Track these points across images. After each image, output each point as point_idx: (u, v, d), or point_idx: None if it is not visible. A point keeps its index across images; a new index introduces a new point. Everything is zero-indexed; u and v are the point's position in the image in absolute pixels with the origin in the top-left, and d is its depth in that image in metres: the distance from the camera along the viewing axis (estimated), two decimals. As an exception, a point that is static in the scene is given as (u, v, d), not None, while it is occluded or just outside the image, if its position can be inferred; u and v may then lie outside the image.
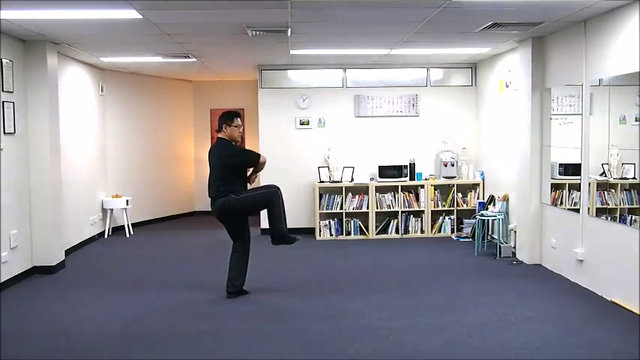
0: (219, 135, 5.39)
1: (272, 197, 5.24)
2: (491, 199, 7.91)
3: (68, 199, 7.28)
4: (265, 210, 5.33)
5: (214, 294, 5.53)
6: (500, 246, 7.08)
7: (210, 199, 5.36)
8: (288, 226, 5.27)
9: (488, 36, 6.34)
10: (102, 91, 8.80)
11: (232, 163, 5.28)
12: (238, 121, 5.39)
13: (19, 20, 5.36)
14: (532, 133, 6.54)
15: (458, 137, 8.75)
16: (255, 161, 5.35)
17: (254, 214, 5.34)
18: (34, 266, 6.43)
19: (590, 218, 5.57)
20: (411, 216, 8.52)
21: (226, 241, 8.52)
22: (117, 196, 8.87)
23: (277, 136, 8.64)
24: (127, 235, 8.83)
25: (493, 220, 7.65)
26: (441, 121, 8.78)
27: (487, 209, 7.72)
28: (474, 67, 8.76)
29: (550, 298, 5.33)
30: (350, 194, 8.44)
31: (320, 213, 8.42)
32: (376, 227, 8.46)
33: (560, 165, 6.26)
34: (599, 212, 5.49)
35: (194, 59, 7.73)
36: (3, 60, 5.84)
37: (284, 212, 5.29)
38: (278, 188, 5.30)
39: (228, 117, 5.37)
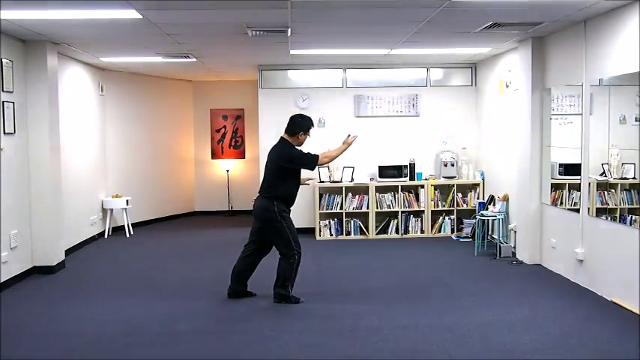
0: (286, 136, 5.27)
1: (290, 257, 5.14)
2: (491, 199, 7.91)
3: (68, 199, 7.28)
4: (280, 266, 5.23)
5: (214, 294, 5.52)
6: (500, 246, 7.08)
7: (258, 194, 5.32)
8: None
9: (488, 36, 6.34)
10: (102, 91, 8.80)
11: (290, 164, 5.15)
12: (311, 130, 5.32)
13: (19, 20, 5.36)
14: (532, 133, 6.54)
15: (458, 137, 8.75)
16: (312, 166, 5.17)
17: (274, 241, 5.31)
18: (34, 266, 6.43)
19: (590, 218, 5.57)
20: (411, 216, 8.52)
21: (226, 241, 8.46)
22: (117, 196, 8.87)
23: (277, 136, 8.55)
24: (127, 235, 8.83)
25: (493, 220, 7.65)
26: (441, 121, 8.78)
27: (487, 209, 7.72)
28: (474, 67, 8.77)
29: (550, 298, 5.33)
30: (350, 194, 8.44)
31: (320, 213, 8.42)
32: (376, 227, 8.45)
33: (560, 165, 6.26)
34: (599, 212, 5.49)
35: (194, 59, 7.73)
36: (3, 60, 5.84)
37: (294, 277, 5.20)
38: (299, 254, 5.18)
39: (308, 126, 5.23)
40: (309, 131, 5.27)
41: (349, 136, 5.40)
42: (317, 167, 5.32)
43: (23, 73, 6.30)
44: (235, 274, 5.39)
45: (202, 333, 4.51)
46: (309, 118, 5.33)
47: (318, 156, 5.21)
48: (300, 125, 5.23)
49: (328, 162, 5.32)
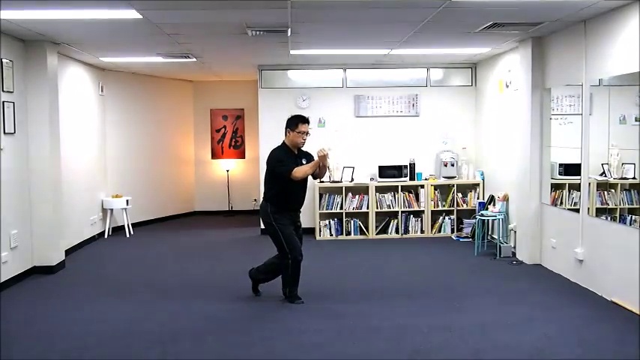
0: (284, 139, 5.28)
1: (285, 259, 5.15)
2: (491, 199, 7.91)
3: (68, 199, 7.28)
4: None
5: (214, 294, 5.53)
6: (500, 246, 7.08)
7: None
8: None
9: (488, 36, 6.34)
10: (102, 91, 8.80)
11: (271, 168, 5.16)
12: (304, 127, 5.14)
13: (19, 20, 5.36)
14: (532, 133, 6.54)
15: (458, 137, 8.75)
16: (285, 176, 5.04)
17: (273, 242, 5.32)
18: (34, 266, 6.43)
19: (590, 218, 5.57)
20: (411, 216, 8.52)
21: (225, 241, 8.48)
22: (117, 196, 8.87)
23: (277, 137, 8.53)
24: (127, 235, 8.83)
25: (493, 220, 7.65)
26: (441, 121, 8.78)
27: (487, 209, 7.72)
28: (474, 67, 8.77)
29: (550, 298, 5.33)
30: (350, 194, 8.43)
31: (320, 213, 8.42)
32: (376, 227, 8.45)
33: (560, 165, 6.26)
34: (599, 212, 5.49)
35: (194, 59, 7.74)
36: (3, 60, 5.84)
37: (292, 280, 5.19)
38: (294, 259, 5.11)
39: (293, 122, 5.17)
40: (295, 128, 5.15)
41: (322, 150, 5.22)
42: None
43: (23, 73, 6.30)
44: (265, 263, 5.38)
45: (202, 333, 4.51)
46: (298, 115, 5.30)
47: (293, 169, 5.06)
48: (286, 123, 5.27)
49: (300, 176, 5.10)
